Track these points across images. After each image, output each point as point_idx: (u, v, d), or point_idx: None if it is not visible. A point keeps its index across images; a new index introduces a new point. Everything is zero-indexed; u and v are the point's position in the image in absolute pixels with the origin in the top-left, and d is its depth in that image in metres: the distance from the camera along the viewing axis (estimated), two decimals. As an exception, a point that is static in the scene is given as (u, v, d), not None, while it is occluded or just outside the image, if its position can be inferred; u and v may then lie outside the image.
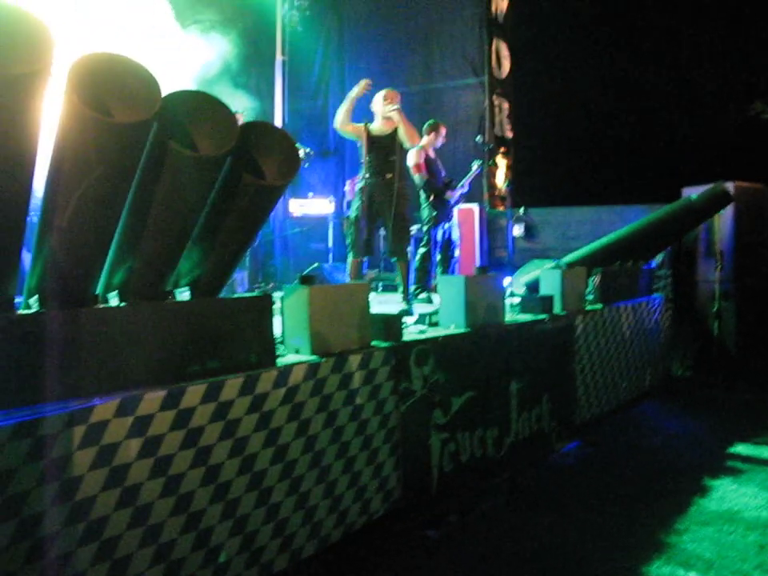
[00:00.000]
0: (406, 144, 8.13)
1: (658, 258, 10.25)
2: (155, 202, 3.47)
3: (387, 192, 7.95)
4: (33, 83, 2.79)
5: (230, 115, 3.54)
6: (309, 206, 11.24)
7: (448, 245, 9.51)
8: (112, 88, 3.10)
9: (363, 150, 8.16)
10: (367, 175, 8.00)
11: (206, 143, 3.47)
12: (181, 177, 3.42)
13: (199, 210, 3.71)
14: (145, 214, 3.51)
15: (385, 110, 8.09)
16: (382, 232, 8.88)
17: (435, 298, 8.34)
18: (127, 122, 3.06)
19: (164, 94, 3.29)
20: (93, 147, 2.99)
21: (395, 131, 8.09)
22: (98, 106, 2.94)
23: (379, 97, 8.32)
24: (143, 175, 3.36)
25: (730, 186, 9.25)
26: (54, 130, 3.16)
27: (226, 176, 3.67)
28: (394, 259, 8.28)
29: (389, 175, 7.95)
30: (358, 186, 8.14)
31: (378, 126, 8.24)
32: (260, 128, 3.87)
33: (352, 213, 8.08)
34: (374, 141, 8.06)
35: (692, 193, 9.38)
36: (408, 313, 7.54)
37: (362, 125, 8.24)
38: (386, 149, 7.97)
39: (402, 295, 8.31)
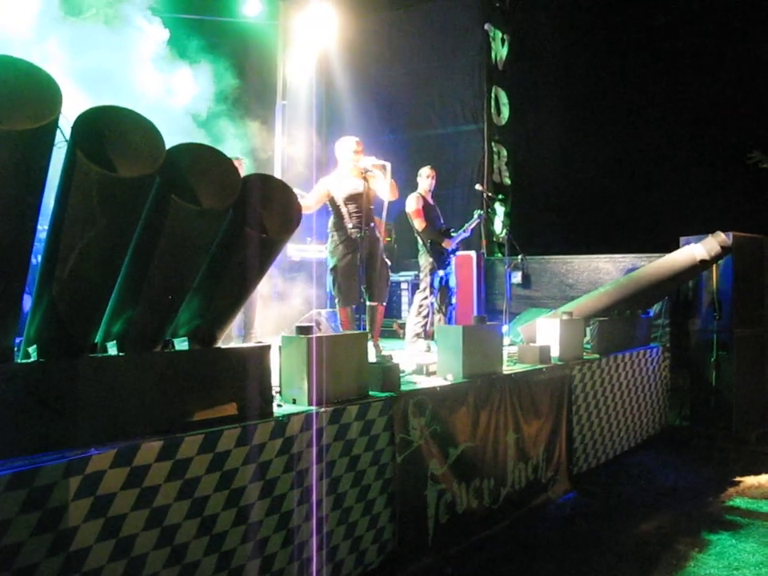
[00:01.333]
0: (388, 197, 8.02)
1: (656, 308, 10.25)
2: (156, 254, 3.48)
3: (368, 240, 7.88)
4: (40, 138, 2.81)
5: (232, 168, 3.56)
6: (308, 251, 11.24)
7: (446, 292, 9.49)
8: (116, 142, 3.12)
9: (338, 203, 7.97)
10: (349, 226, 7.89)
11: (209, 197, 3.48)
12: (183, 230, 3.43)
13: (200, 263, 3.73)
14: (146, 266, 3.52)
15: (367, 163, 7.90)
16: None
17: (433, 345, 8.31)
18: (131, 177, 3.07)
19: (167, 146, 3.32)
20: (96, 201, 3.01)
21: (365, 180, 7.96)
22: (101, 161, 2.96)
23: (349, 145, 8.05)
24: (145, 228, 3.37)
25: (727, 236, 9.26)
26: (58, 181, 3.18)
27: (228, 229, 3.68)
28: (371, 304, 8.14)
29: (370, 223, 7.91)
30: (339, 237, 7.96)
31: (349, 176, 8.03)
32: (262, 181, 3.89)
33: (338, 263, 7.93)
34: (350, 191, 7.93)
35: (690, 242, 9.40)
36: (387, 359, 7.52)
37: (327, 185, 8.04)
38: (363, 198, 7.85)
39: (372, 340, 8.12)
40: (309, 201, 7.97)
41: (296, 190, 10.66)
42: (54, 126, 2.83)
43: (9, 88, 2.76)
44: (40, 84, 2.79)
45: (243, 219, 3.65)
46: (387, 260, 8.38)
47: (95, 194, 2.98)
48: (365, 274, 7.90)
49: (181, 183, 3.39)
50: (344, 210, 7.91)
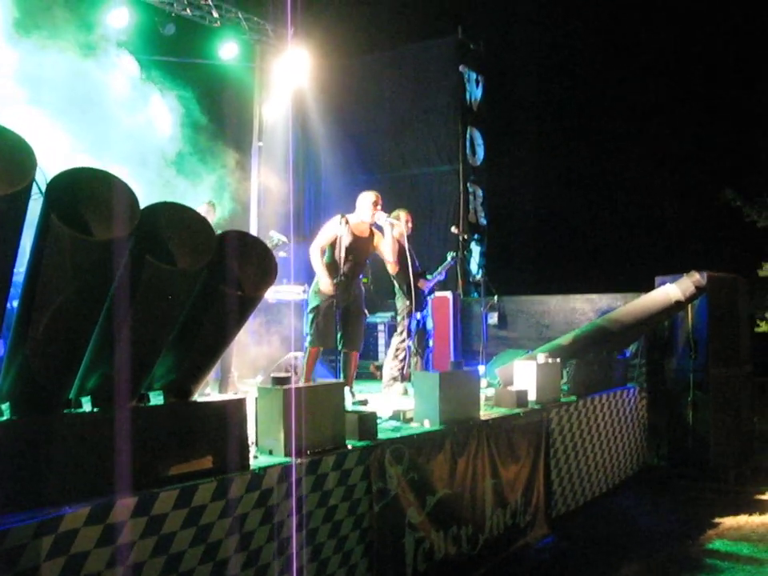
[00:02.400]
0: (387, 257, 8.24)
1: (632, 347, 10.28)
2: (131, 312, 3.47)
3: (355, 290, 7.97)
4: (14, 203, 2.80)
5: (207, 227, 3.55)
6: (284, 292, 11.22)
7: (422, 334, 9.50)
8: (90, 204, 3.11)
9: (341, 247, 8.00)
10: (342, 276, 7.89)
11: (184, 257, 3.48)
12: (157, 289, 3.42)
13: (175, 320, 3.71)
14: (120, 323, 3.50)
15: (381, 218, 8.06)
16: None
17: (409, 388, 8.31)
18: (105, 240, 3.07)
19: (144, 193, 3.32)
20: (69, 263, 3.00)
21: (371, 234, 8.12)
22: (75, 224, 2.95)
23: (370, 198, 8.15)
24: (120, 287, 3.35)
25: (702, 276, 9.33)
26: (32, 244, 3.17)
27: (203, 287, 3.67)
28: (347, 351, 8.19)
29: (360, 275, 7.98)
30: (332, 281, 7.99)
31: (358, 225, 8.14)
32: (238, 238, 3.89)
33: (321, 304, 7.98)
34: (355, 241, 8.03)
35: (665, 281, 9.47)
36: (362, 403, 7.75)
37: (335, 229, 8.00)
38: (364, 251, 7.97)
39: (347, 386, 8.12)
40: (321, 243, 8.10)
41: (273, 233, 10.74)
42: (29, 189, 2.82)
43: (-20, 155, 2.76)
44: (12, 148, 2.78)
45: (218, 277, 3.65)
46: (366, 311, 8.47)
47: (69, 257, 2.97)
48: (344, 322, 7.94)
49: (156, 243, 3.39)
50: (342, 255, 7.90)
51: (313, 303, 8.07)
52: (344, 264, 7.87)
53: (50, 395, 3.58)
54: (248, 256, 3.86)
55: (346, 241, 7.93)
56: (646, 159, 14.48)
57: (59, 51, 9.18)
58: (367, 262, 8.40)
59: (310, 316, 8.09)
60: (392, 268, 9.23)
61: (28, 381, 3.49)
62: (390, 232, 8.15)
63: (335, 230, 7.98)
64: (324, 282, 7.89)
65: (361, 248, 8.05)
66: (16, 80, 8.79)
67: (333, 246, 8.04)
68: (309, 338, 8.11)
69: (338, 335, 7.97)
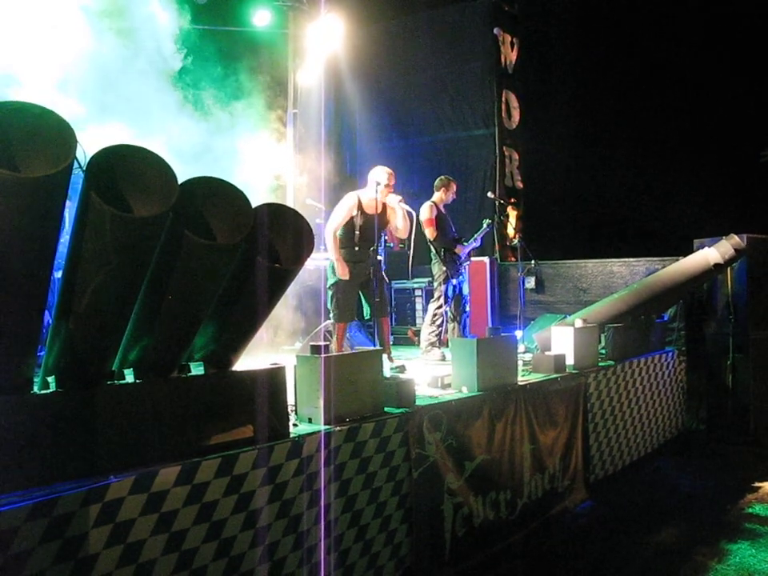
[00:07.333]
0: (400, 233, 8.26)
1: (671, 311, 10.21)
2: (170, 285, 3.52)
3: (372, 261, 7.99)
4: (57, 182, 2.84)
5: (244, 201, 3.57)
6: (321, 259, 11.26)
7: (459, 300, 9.51)
8: (130, 182, 3.15)
9: (355, 222, 8.13)
10: (356, 249, 8.07)
11: (221, 231, 3.52)
12: (196, 264, 3.46)
13: (214, 293, 3.76)
14: (160, 297, 3.55)
15: (393, 201, 8.08)
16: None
17: (447, 353, 8.34)
18: (144, 216, 3.11)
19: (181, 164, 3.35)
20: (110, 240, 3.04)
21: (384, 209, 8.14)
22: (115, 201, 2.99)
23: (382, 177, 8.12)
24: (159, 261, 3.40)
25: (741, 238, 9.23)
26: (72, 220, 3.22)
27: (241, 261, 3.72)
28: (376, 319, 8.27)
29: (375, 246, 7.99)
30: (344, 255, 8.09)
31: (370, 201, 8.15)
32: (274, 211, 3.91)
33: (339, 280, 8.09)
34: (366, 217, 8.10)
35: (704, 245, 9.39)
36: (400, 369, 7.80)
37: (354, 204, 8.16)
38: (377, 226, 7.97)
39: (385, 352, 8.21)
40: (340, 218, 8.18)
41: (309, 201, 10.77)
42: (70, 169, 2.86)
43: (24, 135, 2.80)
44: (53, 128, 2.82)
45: (256, 251, 3.68)
46: (386, 278, 8.51)
47: (109, 234, 3.01)
48: (367, 292, 8.08)
49: (194, 219, 3.42)
50: (356, 230, 8.02)
51: (331, 279, 8.18)
52: (358, 238, 8.02)
53: (94, 368, 3.64)
54: (285, 229, 3.89)
55: (358, 219, 8.05)
56: (686, 119, 14.24)
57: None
58: (383, 234, 8.40)
59: (330, 292, 8.21)
60: (430, 233, 9.26)
61: (72, 354, 3.55)
62: (403, 213, 8.17)
63: (350, 212, 8.07)
64: (339, 268, 8.01)
65: (373, 225, 8.06)
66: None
67: (348, 223, 8.14)
68: (332, 314, 8.23)
69: (365, 305, 8.13)
